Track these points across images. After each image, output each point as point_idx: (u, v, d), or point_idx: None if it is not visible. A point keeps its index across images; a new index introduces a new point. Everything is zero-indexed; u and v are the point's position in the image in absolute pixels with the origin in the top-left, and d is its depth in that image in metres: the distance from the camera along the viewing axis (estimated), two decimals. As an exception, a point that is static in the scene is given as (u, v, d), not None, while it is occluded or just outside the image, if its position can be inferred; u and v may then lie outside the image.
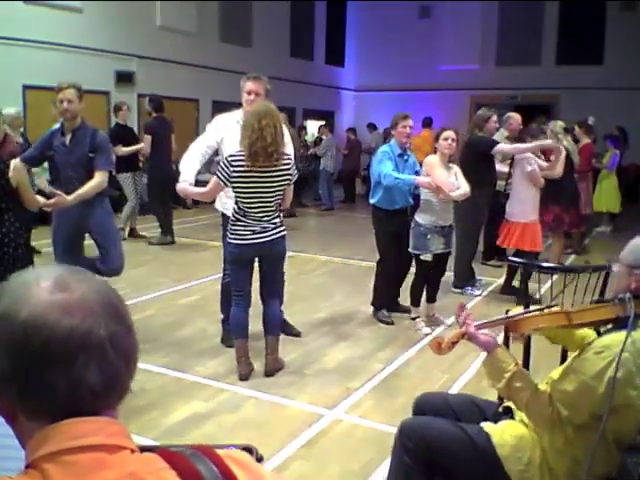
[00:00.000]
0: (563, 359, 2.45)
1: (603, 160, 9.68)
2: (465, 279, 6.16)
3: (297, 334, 4.70)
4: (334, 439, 3.27)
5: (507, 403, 2.16)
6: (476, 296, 5.99)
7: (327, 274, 6.81)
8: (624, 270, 1.91)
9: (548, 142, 5.91)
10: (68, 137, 4.25)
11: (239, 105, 4.32)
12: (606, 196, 9.65)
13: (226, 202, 4.29)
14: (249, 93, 4.16)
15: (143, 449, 0.83)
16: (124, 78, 10.96)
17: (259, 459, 1.18)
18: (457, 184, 4.92)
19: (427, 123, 11.86)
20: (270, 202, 3.77)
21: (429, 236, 4.83)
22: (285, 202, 4.06)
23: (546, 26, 15.63)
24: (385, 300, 5.29)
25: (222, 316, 4.57)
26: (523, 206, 5.71)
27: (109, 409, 0.83)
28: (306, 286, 6.22)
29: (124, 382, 0.83)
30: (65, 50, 9.87)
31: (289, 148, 4.09)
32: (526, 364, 2.72)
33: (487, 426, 2.06)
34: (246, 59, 13.37)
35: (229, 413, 3.50)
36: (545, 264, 3.63)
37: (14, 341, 0.76)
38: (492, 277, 6.63)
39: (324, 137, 12.90)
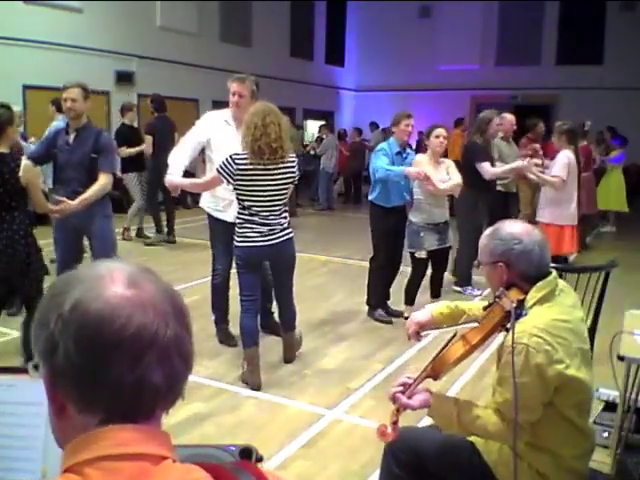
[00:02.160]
0: None
1: (609, 156, 9.78)
2: (466, 280, 6.17)
3: (279, 334, 4.60)
4: (334, 439, 3.27)
5: None
6: (475, 296, 5.99)
7: (327, 274, 6.81)
8: (489, 269, 1.99)
9: (517, 164, 5.91)
10: (72, 136, 4.20)
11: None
12: (614, 195, 9.71)
13: (211, 201, 4.37)
14: (233, 94, 4.24)
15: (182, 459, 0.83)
16: (124, 78, 10.97)
17: (259, 459, 1.18)
18: (447, 178, 4.99)
19: (458, 123, 11.93)
20: (276, 201, 3.74)
21: (422, 234, 4.92)
22: None
23: (546, 26, 15.64)
24: (381, 298, 5.33)
25: (214, 317, 4.60)
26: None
27: (161, 412, 0.83)
28: (306, 286, 6.22)
29: (182, 386, 0.84)
30: (65, 50, 9.87)
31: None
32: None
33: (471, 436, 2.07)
34: (246, 59, 13.38)
35: (229, 413, 3.50)
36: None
37: (87, 330, 0.75)
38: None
39: (324, 137, 12.84)
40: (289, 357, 4.27)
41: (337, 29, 17.67)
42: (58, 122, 6.65)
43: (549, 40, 15.63)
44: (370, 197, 5.22)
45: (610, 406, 3.24)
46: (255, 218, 3.72)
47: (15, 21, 9.15)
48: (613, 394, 3.18)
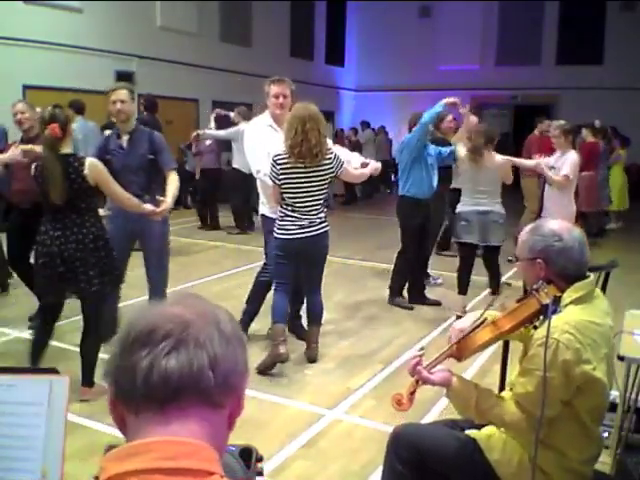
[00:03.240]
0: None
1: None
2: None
3: (303, 338, 4.64)
4: (334, 439, 3.27)
5: None
6: (440, 284, 6.27)
7: (327, 274, 6.76)
8: (526, 264, 1.99)
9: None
10: (125, 139, 4.12)
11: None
12: (615, 193, 9.78)
13: (273, 206, 4.32)
14: (277, 97, 4.25)
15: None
16: (124, 78, 10.92)
17: (259, 459, 1.18)
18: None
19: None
20: (318, 196, 3.95)
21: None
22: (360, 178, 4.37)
23: (546, 26, 15.64)
24: (403, 286, 5.60)
25: (245, 306, 4.58)
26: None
27: (187, 409, 0.82)
28: (306, 286, 6.22)
29: (205, 387, 0.82)
30: (65, 50, 9.87)
31: None
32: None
33: (473, 433, 2.08)
34: (246, 59, 13.39)
35: (229, 413, 3.50)
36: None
37: (121, 333, 0.86)
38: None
39: None
40: (312, 355, 4.30)
41: (337, 29, 17.67)
42: (77, 124, 6.61)
43: (549, 40, 15.63)
44: (402, 192, 5.41)
45: (610, 406, 3.24)
46: (296, 214, 3.92)
47: (15, 21, 9.15)
48: (613, 394, 3.18)
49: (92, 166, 3.42)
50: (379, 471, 2.85)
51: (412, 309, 5.46)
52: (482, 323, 1.99)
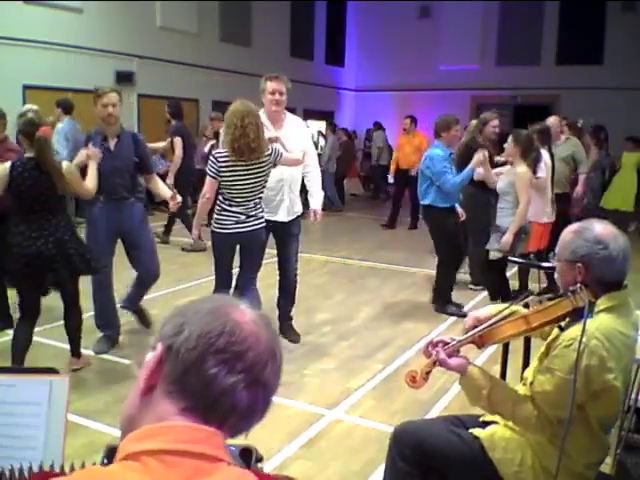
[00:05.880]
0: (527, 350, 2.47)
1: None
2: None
3: (293, 340, 4.61)
4: (334, 439, 3.27)
5: (485, 417, 2.17)
6: None
7: (327, 274, 6.81)
8: (565, 265, 1.96)
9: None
10: (113, 142, 4.10)
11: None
12: (621, 194, 9.68)
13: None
14: (273, 93, 4.26)
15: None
16: (124, 78, 10.95)
17: (259, 459, 1.18)
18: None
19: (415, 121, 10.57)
20: (256, 192, 3.98)
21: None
22: None
23: (546, 26, 15.62)
24: (450, 295, 5.51)
25: None
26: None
27: (226, 434, 0.90)
28: (306, 286, 6.21)
29: (252, 424, 0.94)
30: (65, 50, 9.87)
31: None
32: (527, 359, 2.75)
33: (476, 431, 2.07)
34: (246, 59, 13.37)
35: (229, 413, 3.50)
36: (546, 264, 3.63)
37: (221, 329, 0.89)
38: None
39: (322, 140, 12.53)
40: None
41: (337, 29, 17.64)
42: (62, 125, 6.55)
43: (549, 40, 15.61)
44: (425, 202, 5.35)
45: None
46: (234, 208, 3.95)
47: (15, 21, 9.14)
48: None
49: (69, 169, 3.61)
50: (379, 471, 2.85)
51: (466, 315, 5.29)
52: (509, 316, 1.99)
